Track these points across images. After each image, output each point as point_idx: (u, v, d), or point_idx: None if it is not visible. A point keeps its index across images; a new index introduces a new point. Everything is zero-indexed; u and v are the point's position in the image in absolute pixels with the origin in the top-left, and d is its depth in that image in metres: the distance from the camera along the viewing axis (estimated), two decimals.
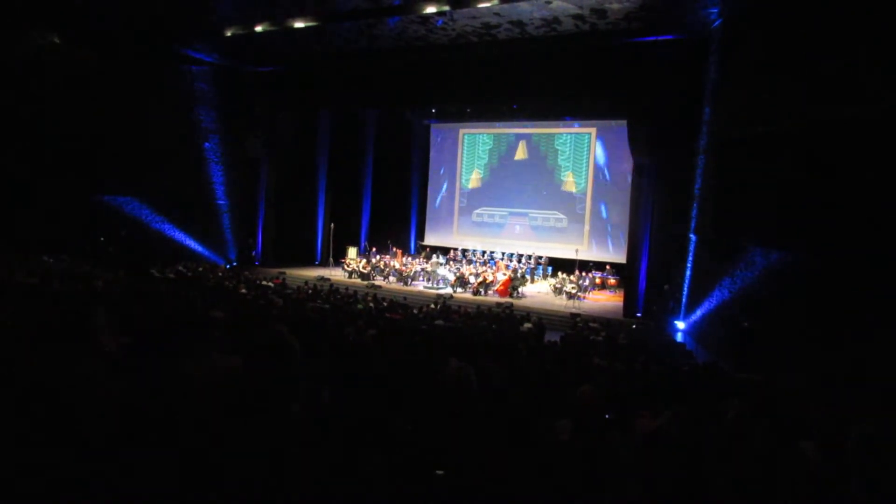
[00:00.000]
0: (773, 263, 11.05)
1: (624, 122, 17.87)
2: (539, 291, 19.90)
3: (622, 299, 17.49)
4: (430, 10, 14.52)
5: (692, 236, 14.91)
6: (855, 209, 8.75)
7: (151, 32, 17.78)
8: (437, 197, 25.86)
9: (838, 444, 3.22)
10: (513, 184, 23.79)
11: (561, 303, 17.71)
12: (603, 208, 21.95)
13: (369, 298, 14.85)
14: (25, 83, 17.10)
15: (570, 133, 22.52)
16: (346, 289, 16.65)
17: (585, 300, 18.43)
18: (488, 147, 24.39)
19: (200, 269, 18.79)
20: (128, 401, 2.47)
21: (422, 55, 18.61)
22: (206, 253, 21.99)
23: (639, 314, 16.43)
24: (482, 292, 18.38)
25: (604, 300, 19.12)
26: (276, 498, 2.20)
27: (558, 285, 18.63)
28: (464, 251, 22.92)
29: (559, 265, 21.20)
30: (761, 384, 7.64)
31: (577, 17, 14.67)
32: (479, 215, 24.64)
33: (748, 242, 12.02)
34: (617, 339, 12.21)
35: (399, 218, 25.68)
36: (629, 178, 18.23)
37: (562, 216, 22.74)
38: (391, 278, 20.48)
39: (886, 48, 8.38)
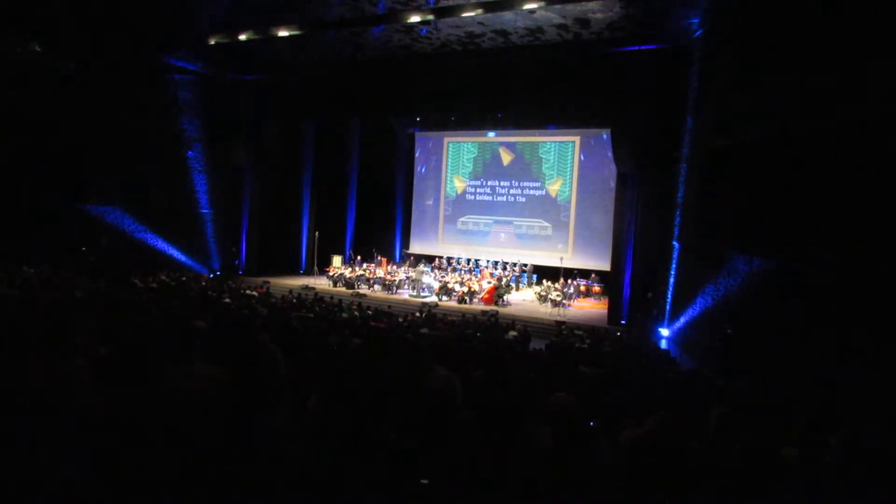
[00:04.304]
0: (755, 271, 11.16)
1: (608, 131, 18.00)
2: (524, 299, 19.94)
3: (607, 307, 17.59)
4: (415, 19, 14.57)
5: (675, 244, 15.02)
6: (835, 217, 8.87)
7: (134, 41, 17.67)
8: (421, 205, 25.85)
9: (821, 450, 3.25)
10: (497, 192, 23.85)
11: (546, 310, 17.75)
12: (587, 216, 22.04)
13: (354, 307, 14.81)
14: (5, 91, 16.91)
15: (555, 141, 22.63)
16: (331, 297, 16.58)
17: (570, 308, 18.49)
18: (473, 155, 24.44)
19: (183, 278, 18.64)
20: (110, 411, 2.44)
21: (406, 64, 18.66)
22: (190, 262, 21.82)
23: (623, 321, 16.51)
24: (467, 300, 18.39)
25: (588, 308, 19.20)
26: None
27: (543, 293, 18.68)
28: (449, 259, 22.93)
29: (544, 273, 21.23)
30: (744, 391, 7.70)
31: (560, 26, 14.79)
32: (463, 223, 24.67)
33: (731, 250, 12.13)
34: (602, 347, 12.25)
35: (384, 226, 25.62)
36: (613, 186, 18.35)
37: (546, 224, 22.82)
38: (376, 287, 20.42)
39: (865, 59, 8.52)
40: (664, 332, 15.26)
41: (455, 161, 24.88)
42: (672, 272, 15.14)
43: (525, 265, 22.16)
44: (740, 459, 3.24)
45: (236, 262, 23.20)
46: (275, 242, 23.67)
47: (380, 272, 21.23)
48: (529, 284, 21.80)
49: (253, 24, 16.24)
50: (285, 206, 23.73)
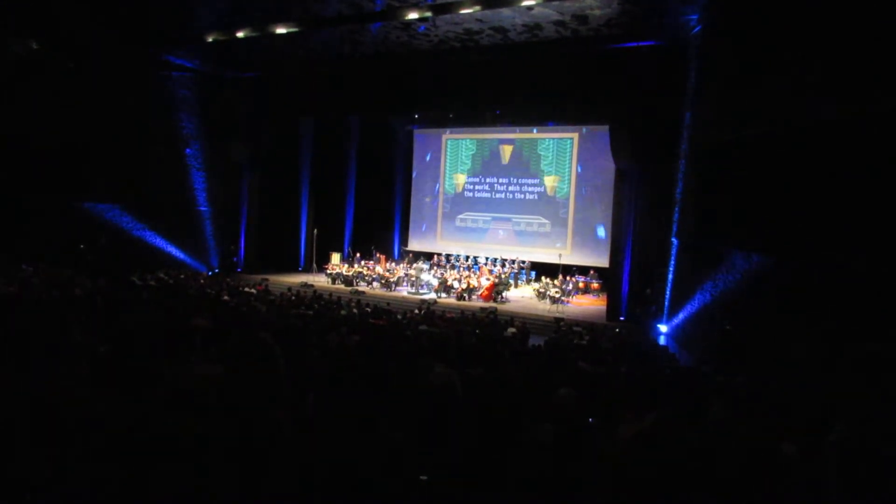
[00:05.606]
0: (753, 267, 11.16)
1: (606, 127, 17.99)
2: (523, 296, 19.95)
3: (605, 303, 17.60)
4: (413, 16, 14.54)
5: (674, 240, 15.03)
6: (834, 214, 8.87)
7: (132, 39, 17.63)
8: (420, 202, 25.85)
9: (818, 445, 3.26)
10: (496, 189, 23.86)
11: (545, 307, 17.77)
12: (586, 213, 22.05)
13: (353, 304, 14.81)
14: (3, 90, 16.89)
15: (553, 138, 22.63)
16: (330, 295, 16.58)
17: (569, 304, 18.52)
18: (471, 152, 24.43)
19: (182, 276, 18.62)
20: (110, 410, 2.44)
21: (404, 61, 18.63)
22: (188, 260, 21.81)
23: (622, 318, 16.52)
24: (466, 297, 18.39)
25: (587, 304, 19.22)
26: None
27: (542, 290, 18.69)
28: (447, 256, 22.94)
29: (543, 270, 21.27)
30: (743, 386, 7.71)
31: (558, 23, 14.77)
32: (462, 220, 24.67)
33: (729, 246, 12.14)
34: (600, 343, 12.26)
35: (383, 223, 25.62)
36: (612, 183, 18.33)
37: (545, 221, 22.83)
38: (375, 284, 20.43)
39: (861, 55, 8.52)
40: (663, 328, 15.27)
41: (454, 158, 24.87)
42: (671, 268, 15.15)
43: (524, 262, 22.17)
44: (739, 455, 3.25)
45: (235, 259, 23.18)
46: (273, 240, 23.64)
47: (379, 269, 21.24)
48: (528, 281, 21.81)
49: (251, 22, 16.20)
50: (284, 203, 23.70)
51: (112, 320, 5.98)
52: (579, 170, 22.15)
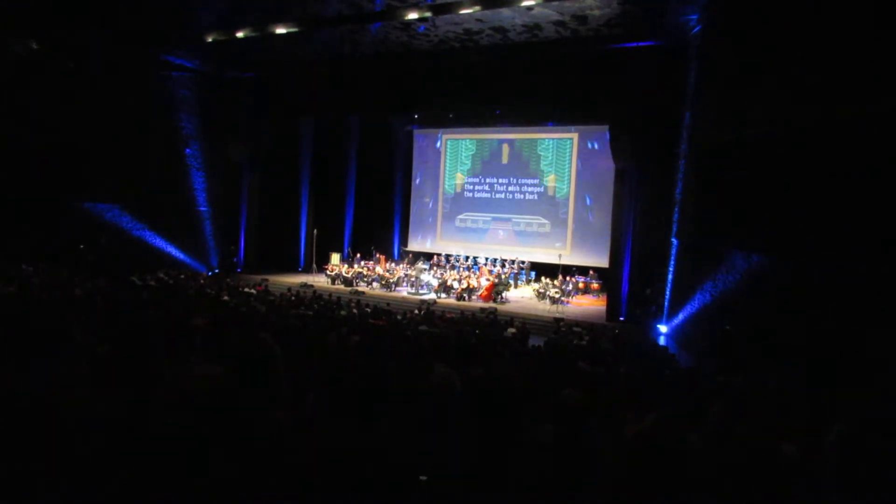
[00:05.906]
0: (753, 267, 11.17)
1: (606, 127, 17.99)
2: (523, 296, 19.94)
3: (605, 303, 17.60)
4: (413, 16, 14.54)
5: (674, 240, 15.03)
6: (834, 214, 8.87)
7: (132, 39, 17.62)
8: (420, 202, 25.84)
9: (818, 445, 3.26)
10: (496, 189, 23.85)
11: (544, 307, 17.77)
12: (586, 213, 22.05)
13: (353, 305, 14.81)
14: (3, 90, 16.89)
15: (553, 138, 22.63)
16: (330, 295, 16.58)
17: (569, 304, 18.52)
18: (471, 152, 24.42)
19: (182, 276, 18.62)
20: (110, 410, 2.44)
21: (404, 61, 18.63)
22: (188, 260, 21.80)
23: (622, 318, 16.52)
24: (466, 298, 18.39)
25: (587, 304, 19.22)
26: None
27: (542, 290, 18.69)
28: (447, 256, 22.93)
29: (543, 270, 21.26)
30: (743, 386, 7.71)
31: (558, 23, 14.77)
32: (462, 220, 24.65)
33: (729, 246, 12.14)
34: (600, 343, 12.26)
35: (382, 223, 25.60)
36: (611, 183, 18.34)
37: (545, 221, 22.82)
38: (374, 284, 20.43)
39: (861, 55, 8.53)
40: (663, 328, 15.27)
41: (453, 158, 24.86)
42: (670, 269, 15.15)
43: (523, 262, 22.16)
44: (739, 455, 3.25)
45: (235, 259, 23.17)
46: (273, 240, 23.64)
47: (378, 270, 21.24)
48: (528, 282, 21.80)
49: (251, 22, 16.20)
50: (284, 203, 23.70)
51: (112, 320, 5.99)
52: (579, 170, 22.13)
